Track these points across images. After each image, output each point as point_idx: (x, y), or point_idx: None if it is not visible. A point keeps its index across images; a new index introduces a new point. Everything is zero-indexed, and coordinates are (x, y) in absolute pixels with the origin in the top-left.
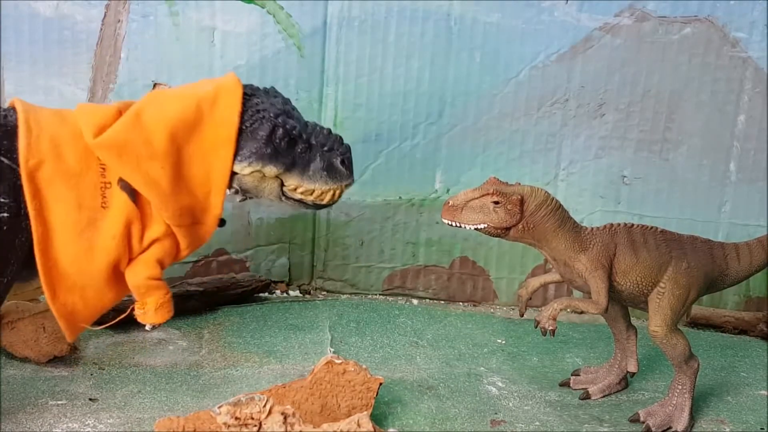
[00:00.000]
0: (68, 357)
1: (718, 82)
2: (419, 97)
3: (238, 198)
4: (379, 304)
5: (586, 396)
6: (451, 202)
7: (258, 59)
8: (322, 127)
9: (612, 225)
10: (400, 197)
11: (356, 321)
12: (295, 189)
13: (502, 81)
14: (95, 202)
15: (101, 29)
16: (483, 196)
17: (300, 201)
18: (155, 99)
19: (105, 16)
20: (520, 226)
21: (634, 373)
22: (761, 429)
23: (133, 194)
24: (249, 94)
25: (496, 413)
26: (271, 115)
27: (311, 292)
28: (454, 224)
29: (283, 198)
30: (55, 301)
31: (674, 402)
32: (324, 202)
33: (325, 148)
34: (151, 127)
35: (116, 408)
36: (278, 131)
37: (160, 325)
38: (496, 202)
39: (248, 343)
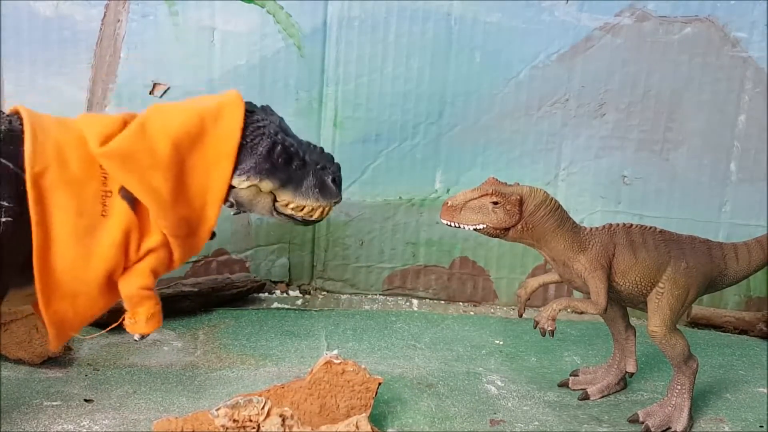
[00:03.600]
0: (62, 358)
1: (719, 82)
2: (419, 97)
3: (232, 211)
4: (376, 313)
5: (584, 396)
6: (450, 203)
7: (258, 59)
8: (315, 146)
9: (611, 225)
10: (400, 197)
11: (353, 328)
12: (287, 204)
13: (502, 81)
14: (96, 210)
15: (101, 29)
16: (482, 196)
17: (290, 216)
18: (160, 111)
19: (105, 16)
20: (519, 226)
21: (632, 374)
22: (761, 427)
23: (134, 203)
24: (250, 110)
25: (495, 413)
26: (271, 131)
27: (311, 292)
28: (453, 225)
29: (275, 213)
30: (48, 309)
31: (673, 402)
32: (312, 219)
33: (318, 166)
34: (155, 138)
35: (111, 408)
36: (277, 148)
37: (148, 335)
38: (495, 203)
39: (244, 345)
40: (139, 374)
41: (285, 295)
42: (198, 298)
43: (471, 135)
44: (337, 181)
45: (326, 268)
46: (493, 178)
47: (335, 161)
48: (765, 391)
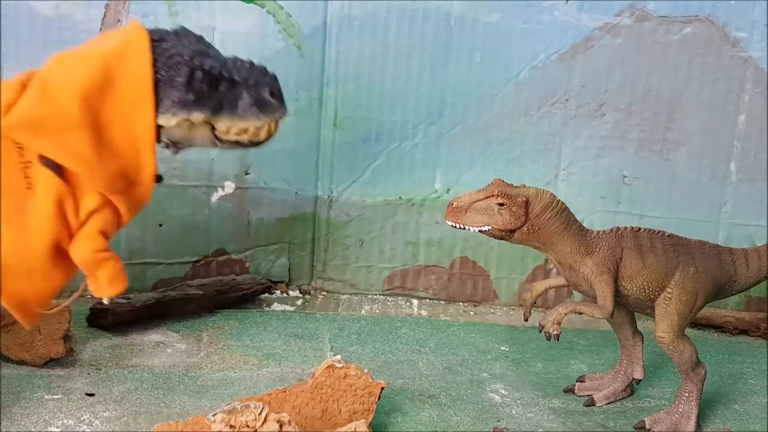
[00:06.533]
0: (65, 359)
1: (719, 82)
2: (419, 97)
3: (172, 151)
4: (381, 318)
5: (590, 403)
6: (455, 204)
7: (258, 59)
8: (243, 61)
9: (618, 229)
10: (400, 197)
11: (357, 332)
12: (228, 131)
13: (502, 81)
14: (19, 185)
15: (101, 29)
16: (487, 197)
17: (236, 143)
18: (59, 64)
19: (105, 16)
20: (525, 228)
21: (639, 380)
22: None
23: (58, 169)
24: (157, 39)
25: (498, 421)
26: (186, 58)
27: (311, 292)
28: (458, 226)
29: (218, 143)
30: (2, 293)
31: (681, 409)
32: (260, 139)
33: (251, 83)
34: (60, 96)
35: (113, 402)
36: (197, 74)
37: (116, 296)
38: (501, 204)
39: (247, 346)
40: (142, 374)
41: (285, 295)
42: (203, 300)
43: (471, 135)
44: (276, 93)
45: (326, 268)
46: (499, 179)
47: (269, 72)
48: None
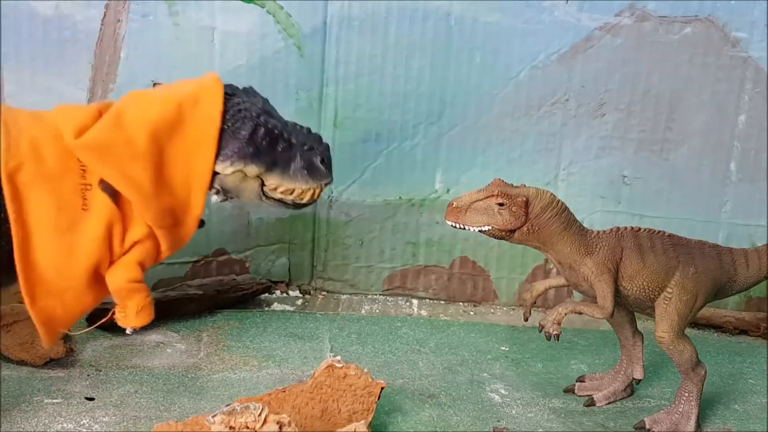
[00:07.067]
0: (65, 359)
1: (719, 82)
2: (419, 97)
3: (219, 198)
4: (381, 317)
5: (590, 403)
6: (455, 204)
7: (258, 59)
8: (302, 126)
9: (618, 229)
10: (400, 197)
11: (357, 332)
12: (276, 188)
13: (502, 81)
14: (76, 204)
15: (101, 29)
16: (487, 197)
17: (280, 201)
18: (136, 99)
19: (105, 16)
20: (525, 228)
21: (639, 380)
22: None
23: (115, 196)
24: (230, 93)
25: (498, 421)
26: (253, 114)
27: (311, 292)
28: (458, 226)
29: (264, 198)
30: (34, 306)
31: (681, 409)
32: (304, 201)
33: (305, 147)
34: (132, 128)
35: (112, 406)
36: (260, 130)
37: (140, 328)
38: (501, 204)
39: (247, 347)
40: (141, 375)
41: (285, 295)
42: (203, 300)
43: (471, 135)
44: (326, 161)
45: (326, 268)
46: (499, 179)
47: (323, 141)
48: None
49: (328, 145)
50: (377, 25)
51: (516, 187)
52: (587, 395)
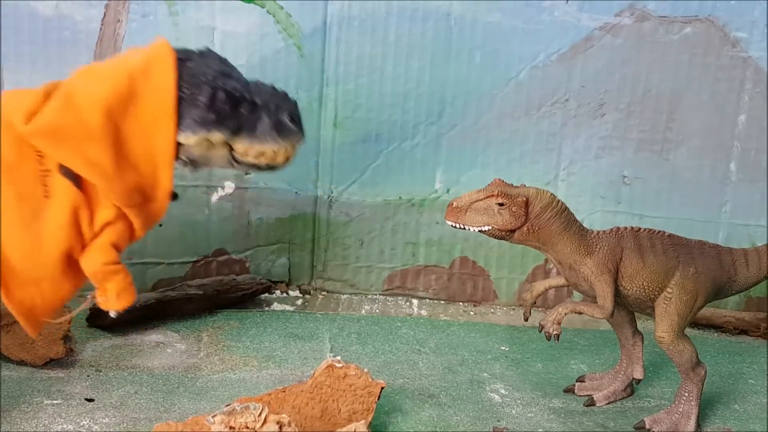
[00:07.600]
0: (64, 359)
1: (719, 82)
2: (419, 97)
3: (189, 169)
4: (381, 317)
5: (590, 403)
6: (455, 204)
7: (258, 59)
8: (265, 84)
9: (618, 229)
10: (400, 197)
11: (357, 332)
12: (246, 153)
13: (502, 81)
14: (37, 192)
15: (101, 29)
16: (487, 197)
17: (253, 165)
18: (84, 76)
19: (105, 16)
20: (525, 228)
21: (639, 380)
22: None
23: (76, 179)
24: (183, 58)
25: (498, 421)
26: (209, 78)
27: (311, 292)
28: (458, 226)
29: (235, 164)
30: (11, 299)
31: (680, 409)
32: (277, 163)
33: (271, 106)
34: (84, 107)
35: (112, 407)
36: (219, 94)
37: (124, 310)
38: (501, 204)
39: (247, 347)
40: (141, 375)
41: (285, 295)
42: (203, 300)
43: (471, 135)
44: (296, 119)
45: (326, 268)
46: (499, 179)
47: (290, 98)
48: None
49: (295, 102)
50: (377, 25)
51: (516, 187)
52: (587, 395)
